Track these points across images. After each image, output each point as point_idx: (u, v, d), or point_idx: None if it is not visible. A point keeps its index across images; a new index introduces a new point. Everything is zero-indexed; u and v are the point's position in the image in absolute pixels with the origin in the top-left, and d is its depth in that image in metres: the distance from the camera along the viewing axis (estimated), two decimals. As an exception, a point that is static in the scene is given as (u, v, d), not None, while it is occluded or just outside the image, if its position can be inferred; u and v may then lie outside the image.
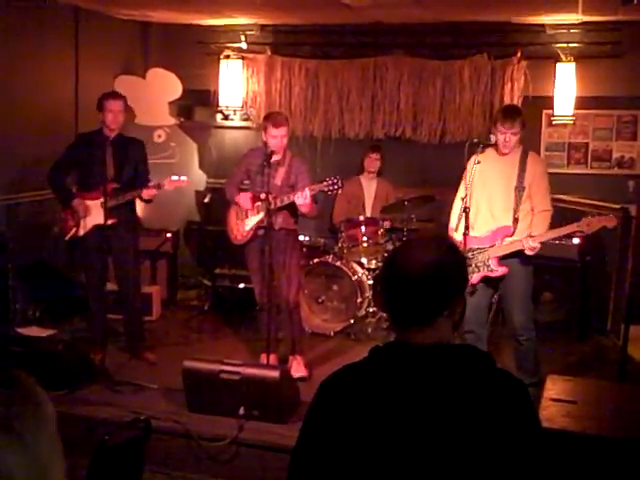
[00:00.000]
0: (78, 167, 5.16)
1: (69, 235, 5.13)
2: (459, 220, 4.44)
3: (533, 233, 4.33)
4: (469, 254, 4.38)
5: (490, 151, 4.47)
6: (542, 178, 4.43)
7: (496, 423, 1.54)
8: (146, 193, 5.02)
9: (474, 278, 4.39)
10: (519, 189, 4.39)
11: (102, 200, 4.89)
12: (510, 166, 4.43)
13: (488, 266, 4.42)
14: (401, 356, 1.62)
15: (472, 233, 4.39)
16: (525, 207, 4.42)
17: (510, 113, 4.42)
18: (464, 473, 1.51)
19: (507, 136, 4.34)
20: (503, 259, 4.41)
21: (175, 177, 5.20)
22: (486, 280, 4.48)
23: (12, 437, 1.01)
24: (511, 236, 4.40)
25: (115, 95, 5.18)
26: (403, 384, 1.58)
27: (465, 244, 4.28)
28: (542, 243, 4.29)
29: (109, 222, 4.88)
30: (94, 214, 5.00)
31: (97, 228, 5.01)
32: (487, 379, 1.60)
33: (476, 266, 4.44)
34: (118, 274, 5.33)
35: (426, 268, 1.63)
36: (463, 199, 4.39)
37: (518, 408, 1.59)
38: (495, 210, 4.46)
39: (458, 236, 4.40)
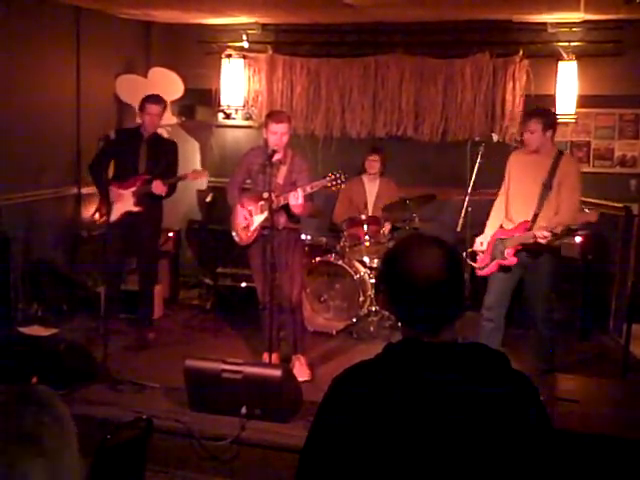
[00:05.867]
0: (115, 160, 5.56)
1: (101, 220, 5.51)
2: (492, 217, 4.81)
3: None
4: (493, 244, 4.71)
5: (525, 149, 4.71)
6: (572, 179, 4.58)
7: (511, 422, 1.54)
8: (155, 187, 5.34)
9: (490, 266, 4.71)
10: (547, 187, 4.56)
11: (133, 189, 5.34)
12: (543, 164, 4.61)
13: (502, 254, 4.67)
14: (418, 354, 1.61)
15: (505, 226, 4.71)
16: (551, 207, 4.57)
17: (527, 113, 4.83)
18: (478, 473, 1.51)
19: (526, 134, 4.61)
20: (530, 255, 4.63)
21: (198, 169, 5.73)
22: (508, 270, 4.71)
23: (37, 450, 1.01)
24: (529, 230, 4.62)
25: (156, 99, 5.54)
26: (420, 382, 1.57)
27: (495, 237, 4.68)
28: (552, 233, 4.52)
29: (136, 209, 5.40)
30: (125, 201, 5.29)
31: (126, 215, 5.42)
32: (502, 378, 1.61)
33: (494, 255, 4.72)
34: (138, 256, 5.79)
35: (447, 268, 1.62)
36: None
37: (531, 408, 1.60)
38: (523, 205, 4.65)
39: (490, 230, 4.79)
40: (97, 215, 5.66)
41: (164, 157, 5.53)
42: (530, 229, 4.57)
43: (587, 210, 4.78)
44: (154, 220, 5.68)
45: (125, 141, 5.43)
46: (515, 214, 4.69)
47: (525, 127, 4.62)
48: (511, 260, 4.64)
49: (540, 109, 5.08)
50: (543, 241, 4.49)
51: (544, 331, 4.77)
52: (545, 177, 4.55)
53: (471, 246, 4.90)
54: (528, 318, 4.98)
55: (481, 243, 4.74)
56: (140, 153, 5.42)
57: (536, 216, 4.57)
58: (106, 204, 5.32)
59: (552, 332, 4.83)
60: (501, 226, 4.78)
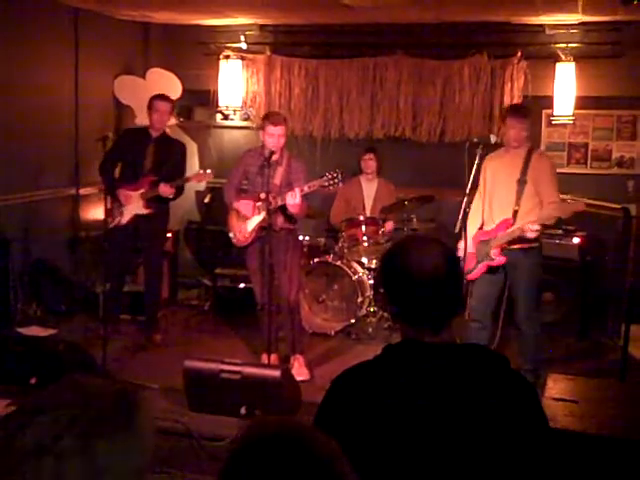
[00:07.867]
0: (122, 160, 5.56)
1: (113, 223, 5.52)
2: (464, 220, 4.67)
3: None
4: (477, 247, 4.69)
5: (499, 151, 4.77)
6: (547, 172, 4.67)
7: (508, 423, 1.55)
8: (162, 189, 5.34)
9: (478, 269, 4.68)
10: (521, 182, 4.62)
11: (142, 191, 5.34)
12: (516, 161, 4.67)
13: (489, 256, 4.66)
14: (417, 355, 1.62)
15: (485, 228, 4.72)
16: (529, 202, 4.62)
17: (520, 109, 4.78)
18: (477, 473, 1.52)
19: (516, 130, 4.61)
20: (509, 251, 4.63)
21: (201, 171, 5.79)
22: (493, 271, 4.70)
23: (82, 445, 1.00)
24: (511, 227, 4.64)
25: (164, 97, 5.64)
26: (420, 383, 1.57)
27: (477, 239, 4.67)
28: (542, 226, 4.57)
29: (146, 212, 5.43)
30: (134, 204, 5.25)
31: (136, 217, 5.41)
32: (501, 379, 1.61)
33: (480, 257, 4.69)
34: (145, 256, 5.83)
35: (447, 267, 1.64)
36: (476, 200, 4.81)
37: (529, 409, 1.60)
38: (502, 204, 4.67)
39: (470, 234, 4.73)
40: (109, 218, 5.59)
41: (171, 158, 5.55)
42: (512, 226, 4.61)
43: (569, 201, 4.79)
44: (162, 222, 5.71)
45: (133, 141, 5.45)
46: (495, 214, 4.73)
47: (519, 124, 4.61)
48: (499, 260, 4.65)
49: (524, 106, 5.28)
50: (533, 235, 4.52)
51: (527, 330, 4.74)
52: (518, 174, 4.63)
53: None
54: (514, 317, 4.92)
55: (460, 249, 4.66)
56: (147, 153, 5.45)
57: (516, 212, 4.63)
58: (118, 207, 5.45)
59: (536, 331, 4.79)
60: (480, 228, 4.82)
